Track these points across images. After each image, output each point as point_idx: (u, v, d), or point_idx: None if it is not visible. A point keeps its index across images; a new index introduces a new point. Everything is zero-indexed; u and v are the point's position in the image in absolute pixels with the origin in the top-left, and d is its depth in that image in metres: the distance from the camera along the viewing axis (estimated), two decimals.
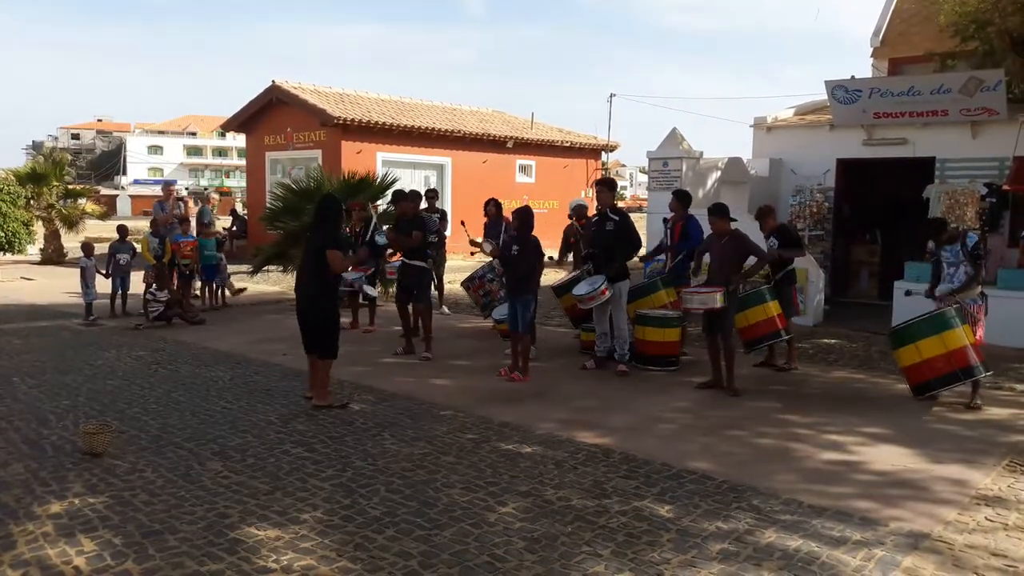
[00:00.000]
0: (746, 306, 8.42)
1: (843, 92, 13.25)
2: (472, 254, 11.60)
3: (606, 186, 8.98)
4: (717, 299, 7.59)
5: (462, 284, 11.32)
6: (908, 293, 8.56)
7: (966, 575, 4.03)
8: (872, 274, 14.73)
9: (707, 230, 8.32)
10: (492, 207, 11.49)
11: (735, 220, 8.03)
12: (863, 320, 12.03)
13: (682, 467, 5.61)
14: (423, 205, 11.08)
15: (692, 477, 5.42)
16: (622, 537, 4.42)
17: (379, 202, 13.89)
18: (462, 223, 11.42)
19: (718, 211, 7.91)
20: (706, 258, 8.26)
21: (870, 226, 14.89)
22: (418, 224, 9.63)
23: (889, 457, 5.89)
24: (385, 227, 12.10)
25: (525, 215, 8.46)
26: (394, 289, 12.22)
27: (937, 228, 8.01)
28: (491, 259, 10.43)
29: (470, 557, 4.15)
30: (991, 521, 4.72)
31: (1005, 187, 12.41)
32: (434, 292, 11.20)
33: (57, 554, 4.16)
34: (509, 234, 8.68)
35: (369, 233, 11.06)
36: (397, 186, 14.04)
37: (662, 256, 9.86)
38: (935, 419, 7.00)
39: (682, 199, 9.48)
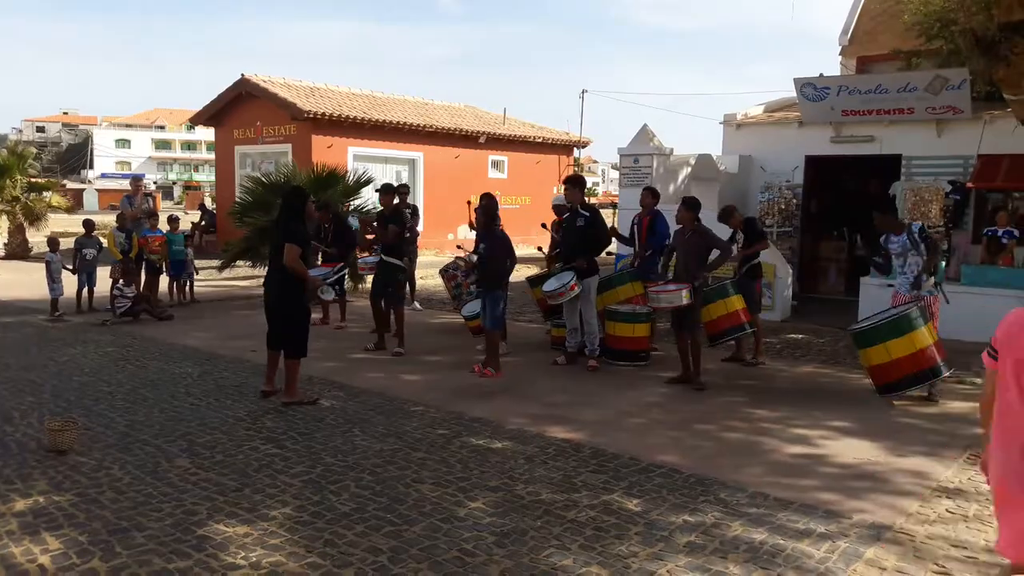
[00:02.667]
0: (708, 300, 8.50)
1: (812, 90, 13.39)
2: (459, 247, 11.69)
3: (575, 183, 9.01)
4: (683, 296, 7.68)
5: (439, 271, 11.47)
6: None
7: (927, 566, 4.11)
8: (840, 270, 14.92)
9: (673, 223, 8.41)
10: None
11: (699, 220, 8.11)
12: (830, 316, 12.19)
13: (650, 461, 5.66)
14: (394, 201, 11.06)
15: (660, 471, 5.47)
16: (590, 531, 4.45)
17: (354, 201, 13.88)
18: (458, 247, 11.54)
19: (688, 204, 7.99)
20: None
21: (838, 223, 15.07)
22: (396, 219, 9.60)
23: (853, 450, 5.99)
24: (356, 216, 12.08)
25: (487, 206, 8.45)
26: (364, 285, 12.21)
27: (891, 211, 7.94)
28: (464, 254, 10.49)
29: (440, 552, 4.17)
30: (952, 513, 4.82)
31: (969, 185, 12.62)
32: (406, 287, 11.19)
33: (22, 552, 4.12)
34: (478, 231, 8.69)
35: (331, 231, 11.01)
36: (367, 181, 14.09)
37: (630, 251, 9.94)
38: (898, 413, 7.11)
39: (652, 194, 9.59)
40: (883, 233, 7.88)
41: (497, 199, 8.89)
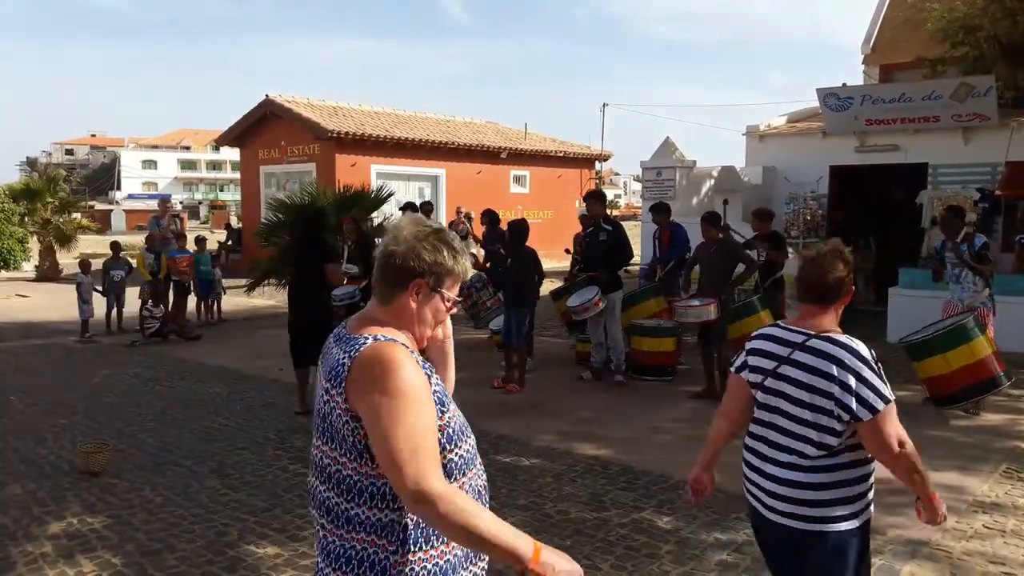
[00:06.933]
0: (739, 317, 8.44)
1: (835, 99, 13.31)
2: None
3: (596, 198, 9.01)
4: (711, 311, 7.64)
5: None
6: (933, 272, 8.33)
7: None
8: (867, 280, 14.75)
9: (696, 238, 8.40)
10: (486, 219, 11.43)
11: (723, 235, 8.10)
12: (858, 326, 11.92)
13: (680, 478, 5.60)
14: None
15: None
16: (621, 550, 4.42)
17: (374, 215, 13.94)
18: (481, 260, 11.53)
19: (710, 219, 7.99)
20: (696, 268, 8.34)
21: (864, 233, 14.94)
22: None
23: None
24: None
25: (518, 228, 8.51)
26: None
27: (959, 215, 7.84)
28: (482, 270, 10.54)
29: None
30: (989, 528, 4.74)
31: (997, 192, 12.47)
32: None
33: (56, 575, 4.16)
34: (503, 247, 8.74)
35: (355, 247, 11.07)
36: (388, 196, 14.19)
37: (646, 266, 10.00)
38: (931, 426, 7.01)
39: (662, 210, 9.65)
40: (945, 241, 7.80)
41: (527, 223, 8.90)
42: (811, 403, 2.64)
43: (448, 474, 1.90)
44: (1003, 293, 10.10)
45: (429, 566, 1.87)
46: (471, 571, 1.97)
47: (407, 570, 1.85)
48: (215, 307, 13.43)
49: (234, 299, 15.05)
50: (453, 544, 1.91)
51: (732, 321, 8.30)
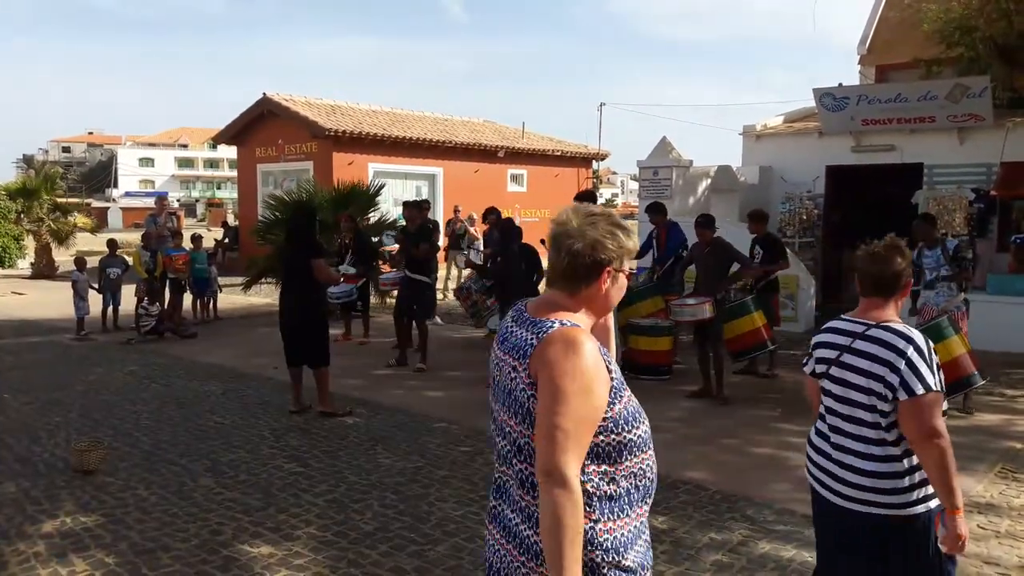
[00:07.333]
0: (732, 317, 8.43)
1: (831, 100, 13.32)
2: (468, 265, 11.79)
3: (588, 200, 8.97)
4: (707, 310, 7.65)
5: (454, 292, 11.52)
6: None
7: None
8: None
9: (693, 237, 8.42)
10: (493, 216, 11.44)
11: (718, 228, 8.11)
12: None
13: (676, 477, 5.62)
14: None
15: (686, 487, 5.43)
16: None
17: (372, 214, 13.95)
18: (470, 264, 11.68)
19: (704, 222, 8.03)
20: (692, 267, 8.35)
21: (860, 232, 14.92)
22: (425, 235, 9.58)
23: None
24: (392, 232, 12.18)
25: (504, 227, 8.69)
26: (390, 299, 12.27)
27: (931, 222, 7.98)
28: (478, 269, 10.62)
29: (464, 571, 4.16)
30: (983, 529, 4.74)
31: (992, 192, 12.49)
32: None
33: (49, 574, 4.15)
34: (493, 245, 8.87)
35: (353, 245, 11.10)
36: (385, 194, 14.23)
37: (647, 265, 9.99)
38: None
39: (658, 210, 9.63)
40: (918, 246, 7.82)
41: (512, 219, 9.03)
42: (867, 387, 2.79)
43: (628, 452, 2.01)
44: (1000, 293, 10.17)
45: (610, 537, 1.96)
46: (643, 539, 2.06)
47: (592, 535, 1.94)
48: (211, 305, 13.40)
49: (230, 297, 15.04)
50: (628, 519, 2.00)
51: (726, 321, 8.31)
